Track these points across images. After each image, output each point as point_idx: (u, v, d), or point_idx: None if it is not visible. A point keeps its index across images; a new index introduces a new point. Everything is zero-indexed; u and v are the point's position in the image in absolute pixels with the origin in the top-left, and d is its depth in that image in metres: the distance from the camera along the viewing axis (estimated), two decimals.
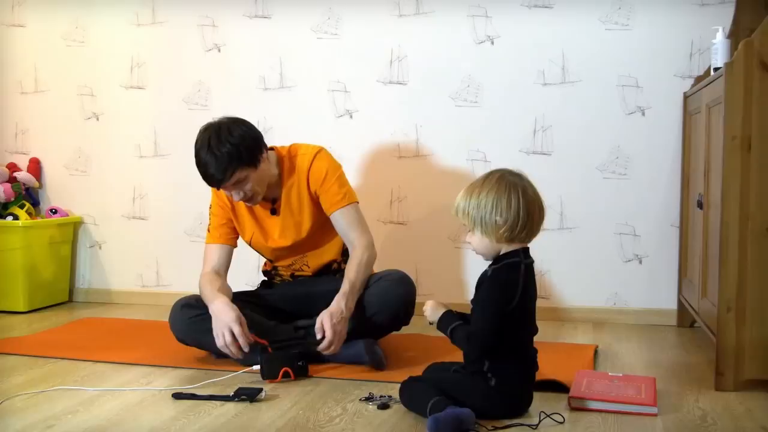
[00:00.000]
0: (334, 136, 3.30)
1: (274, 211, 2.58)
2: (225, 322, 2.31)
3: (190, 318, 2.45)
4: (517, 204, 1.85)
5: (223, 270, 2.59)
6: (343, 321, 2.34)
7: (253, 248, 2.69)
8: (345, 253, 2.65)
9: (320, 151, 2.58)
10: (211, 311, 2.37)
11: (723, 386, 2.16)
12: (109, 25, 3.61)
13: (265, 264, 2.78)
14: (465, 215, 1.91)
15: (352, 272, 2.43)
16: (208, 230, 2.63)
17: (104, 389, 2.19)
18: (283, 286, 2.70)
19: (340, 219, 2.54)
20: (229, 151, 2.35)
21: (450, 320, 1.93)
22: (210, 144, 2.37)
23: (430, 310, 1.99)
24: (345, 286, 2.39)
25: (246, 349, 2.31)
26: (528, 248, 1.93)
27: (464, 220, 1.92)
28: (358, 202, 2.59)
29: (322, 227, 2.59)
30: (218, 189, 2.44)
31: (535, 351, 1.96)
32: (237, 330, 2.29)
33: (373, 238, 2.58)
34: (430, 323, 1.99)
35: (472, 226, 1.90)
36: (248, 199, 2.46)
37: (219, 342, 2.32)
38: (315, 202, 2.56)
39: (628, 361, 2.53)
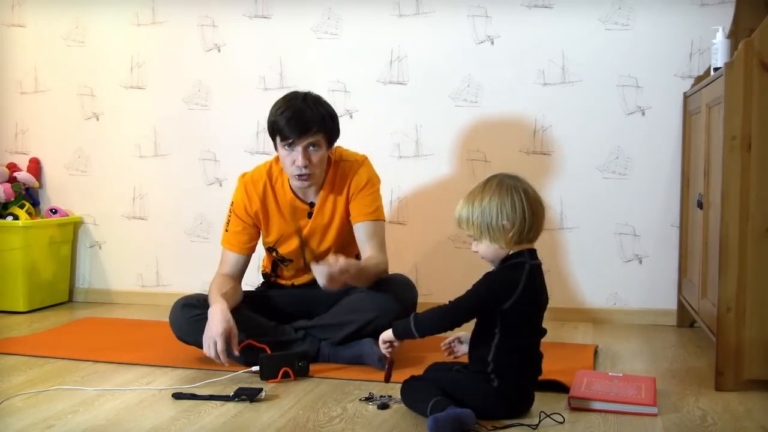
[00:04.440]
0: None
1: (310, 215, 2.55)
2: (212, 334, 2.29)
3: (191, 317, 2.44)
4: (522, 205, 1.85)
5: (238, 275, 2.58)
6: (347, 275, 2.23)
7: (275, 250, 2.62)
8: None
9: (366, 159, 2.60)
10: (208, 314, 2.37)
11: (723, 386, 2.16)
12: (109, 25, 3.61)
13: (265, 267, 2.77)
14: (470, 225, 1.89)
15: (368, 262, 2.40)
16: (226, 230, 2.59)
17: (104, 389, 2.19)
18: (284, 288, 2.70)
19: (363, 230, 2.52)
20: (325, 114, 2.44)
21: (404, 320, 1.94)
22: (307, 99, 2.44)
23: (385, 336, 1.98)
24: (360, 262, 2.36)
25: (226, 364, 2.30)
26: (535, 250, 1.93)
27: (469, 230, 1.90)
28: (384, 221, 2.59)
29: (348, 236, 2.57)
30: (296, 139, 2.37)
31: (541, 355, 1.96)
32: (220, 346, 2.27)
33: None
34: (397, 338, 1.97)
35: (479, 235, 1.89)
36: (307, 167, 2.40)
37: (204, 350, 2.32)
38: (348, 210, 2.55)
39: (628, 361, 2.53)
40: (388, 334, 1.98)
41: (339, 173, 2.55)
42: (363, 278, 2.38)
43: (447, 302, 1.92)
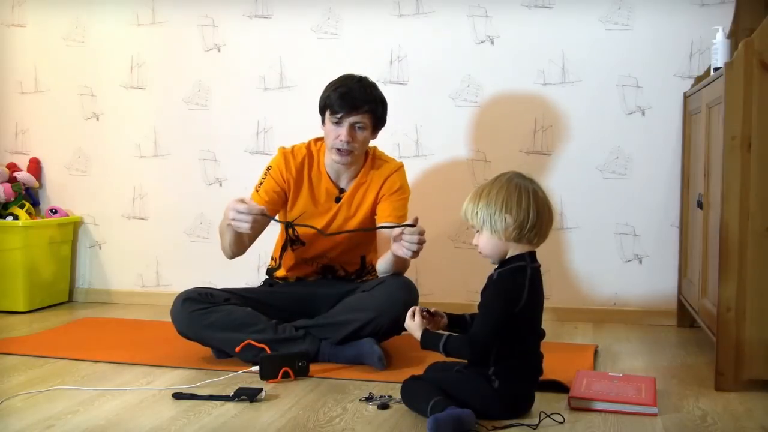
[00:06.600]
0: None
1: (338, 199, 2.61)
2: (228, 207, 2.31)
3: (192, 312, 2.44)
4: (528, 203, 1.85)
5: (252, 234, 2.53)
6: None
7: (292, 227, 2.61)
8: (358, 273, 2.70)
9: (402, 166, 2.69)
10: (225, 221, 2.39)
11: (723, 386, 2.16)
12: (109, 25, 3.61)
13: (274, 252, 2.77)
14: (474, 215, 1.90)
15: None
16: (256, 189, 2.61)
17: (104, 389, 2.19)
18: (286, 286, 2.70)
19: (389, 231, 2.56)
20: (376, 97, 2.54)
21: (435, 336, 1.92)
22: (362, 81, 2.55)
23: (413, 323, 1.99)
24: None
25: (254, 211, 2.27)
26: (534, 252, 1.93)
27: (473, 221, 1.91)
28: None
29: (361, 237, 2.60)
30: (345, 114, 2.48)
31: (541, 356, 1.96)
32: (240, 206, 2.26)
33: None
34: (423, 347, 1.97)
35: (481, 226, 1.90)
36: (349, 143, 2.48)
37: (231, 222, 2.30)
38: (373, 210, 2.61)
39: (628, 361, 2.54)
40: (410, 326, 1.99)
41: (374, 168, 2.63)
42: (402, 265, 2.49)
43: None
